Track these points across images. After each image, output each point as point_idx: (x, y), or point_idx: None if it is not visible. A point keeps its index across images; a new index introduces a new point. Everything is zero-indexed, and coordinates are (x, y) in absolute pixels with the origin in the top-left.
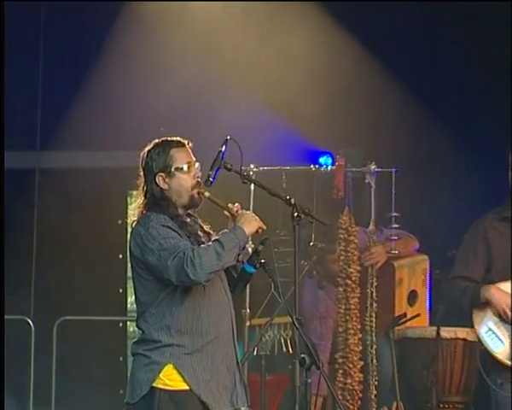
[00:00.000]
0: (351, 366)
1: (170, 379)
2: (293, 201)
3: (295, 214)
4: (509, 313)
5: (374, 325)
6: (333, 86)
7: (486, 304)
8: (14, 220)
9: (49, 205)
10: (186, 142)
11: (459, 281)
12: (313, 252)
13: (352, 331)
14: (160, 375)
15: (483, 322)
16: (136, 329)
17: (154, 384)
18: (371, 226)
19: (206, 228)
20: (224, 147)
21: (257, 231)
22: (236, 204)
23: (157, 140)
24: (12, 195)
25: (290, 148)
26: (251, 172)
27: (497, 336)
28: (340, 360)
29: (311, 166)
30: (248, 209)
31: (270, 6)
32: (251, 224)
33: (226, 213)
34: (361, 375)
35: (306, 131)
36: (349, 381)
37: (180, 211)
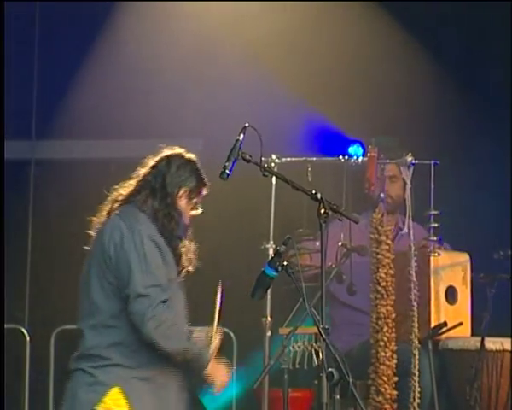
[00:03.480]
0: (381, 382)
1: (116, 404)
2: (319, 196)
3: (322, 211)
4: None
5: (416, 330)
6: (364, 73)
7: None
8: (6, 220)
9: (46, 201)
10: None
11: None
12: (342, 253)
13: (383, 343)
14: (105, 398)
15: None
16: None
17: (97, 408)
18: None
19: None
20: (241, 135)
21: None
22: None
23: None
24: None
25: (316, 137)
26: (272, 164)
27: None
28: (372, 375)
29: (340, 157)
30: (270, 207)
31: None
32: (216, 373)
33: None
34: (394, 392)
35: (335, 119)
36: (380, 399)
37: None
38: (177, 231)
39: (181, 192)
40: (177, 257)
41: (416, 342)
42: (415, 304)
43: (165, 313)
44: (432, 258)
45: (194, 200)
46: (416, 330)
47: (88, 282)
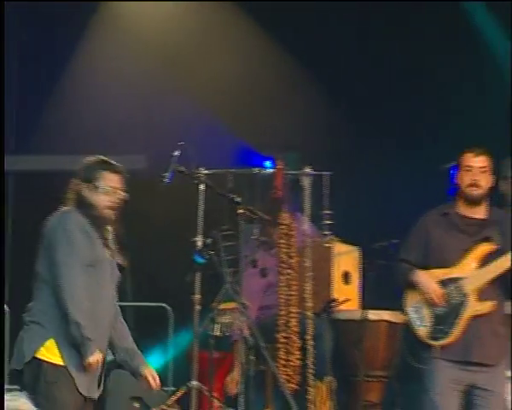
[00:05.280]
0: (292, 345)
1: (52, 353)
2: (238, 200)
3: (239, 211)
4: (433, 298)
5: (310, 304)
6: (266, 95)
7: (415, 286)
8: None
9: (25, 213)
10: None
11: (400, 264)
12: (256, 245)
13: (293, 315)
14: (43, 347)
15: (412, 302)
16: None
17: (38, 355)
18: (306, 224)
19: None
20: (177, 152)
21: None
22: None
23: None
24: None
25: (237, 154)
26: (200, 175)
27: (421, 316)
28: (283, 340)
29: (254, 169)
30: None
31: (207, 12)
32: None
33: None
34: (298, 353)
35: (253, 138)
36: (290, 358)
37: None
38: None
39: (96, 184)
40: (104, 240)
41: (310, 314)
42: (309, 285)
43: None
44: (331, 248)
45: (109, 188)
46: (310, 304)
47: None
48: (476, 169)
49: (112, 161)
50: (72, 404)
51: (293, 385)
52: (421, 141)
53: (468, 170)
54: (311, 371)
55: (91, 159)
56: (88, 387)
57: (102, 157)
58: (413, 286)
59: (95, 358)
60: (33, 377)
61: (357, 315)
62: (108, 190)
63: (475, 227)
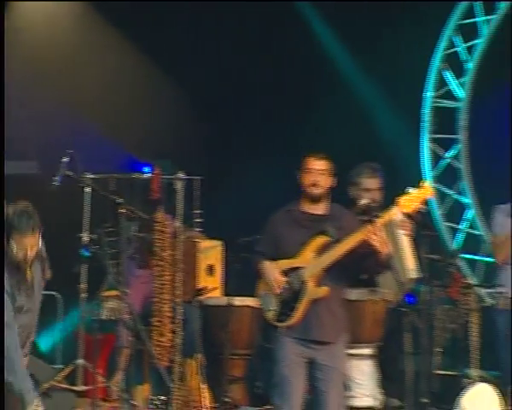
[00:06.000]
0: (164, 328)
1: None
2: (119, 200)
3: (121, 211)
4: (274, 286)
5: (179, 292)
6: (142, 108)
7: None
8: None
9: None
10: None
11: (255, 256)
12: (135, 240)
13: (166, 301)
14: None
15: (262, 289)
16: None
17: None
18: (179, 222)
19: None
20: (65, 158)
21: None
22: None
23: None
24: None
25: (120, 161)
26: (86, 179)
27: (269, 301)
28: (156, 324)
29: (133, 174)
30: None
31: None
32: None
33: None
34: (170, 334)
35: (130, 146)
36: (162, 339)
37: None
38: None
39: None
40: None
41: (179, 300)
42: (179, 276)
43: None
44: (197, 243)
45: None
46: (180, 292)
47: None
48: (316, 171)
49: None
50: None
51: (164, 362)
52: (282, 147)
53: (309, 172)
54: (178, 350)
55: None
56: None
57: None
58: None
59: None
60: None
61: (224, 301)
62: None
63: (314, 222)
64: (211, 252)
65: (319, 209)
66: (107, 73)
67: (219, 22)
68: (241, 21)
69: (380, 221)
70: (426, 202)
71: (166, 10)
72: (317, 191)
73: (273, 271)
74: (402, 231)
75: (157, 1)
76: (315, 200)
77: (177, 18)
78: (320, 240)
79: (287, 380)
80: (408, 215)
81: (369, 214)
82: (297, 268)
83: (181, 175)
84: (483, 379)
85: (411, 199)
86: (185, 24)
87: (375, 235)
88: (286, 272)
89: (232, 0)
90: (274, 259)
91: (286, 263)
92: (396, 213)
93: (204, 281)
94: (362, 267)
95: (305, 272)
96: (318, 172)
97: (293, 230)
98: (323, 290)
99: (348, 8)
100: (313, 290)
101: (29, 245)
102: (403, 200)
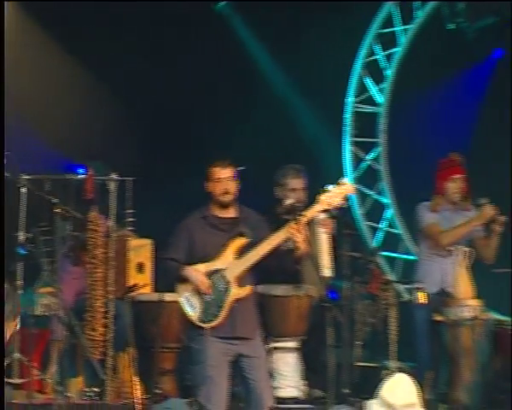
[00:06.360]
0: (97, 322)
1: None
2: (54, 200)
3: (56, 210)
4: (201, 288)
5: (113, 290)
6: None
7: (186, 280)
8: None
9: None
10: None
11: (170, 262)
12: (69, 239)
13: (98, 297)
14: None
15: (183, 293)
16: None
17: None
18: (111, 222)
19: None
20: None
21: None
22: None
23: None
24: None
25: (55, 162)
26: (23, 179)
27: (192, 304)
28: (89, 318)
29: (68, 174)
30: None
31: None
32: None
33: None
34: (103, 329)
35: (65, 149)
36: (95, 333)
37: None
38: None
39: None
40: None
41: (111, 297)
42: (111, 273)
43: None
44: (127, 242)
45: None
46: (112, 289)
47: None
48: (225, 179)
49: None
50: None
51: (97, 356)
52: (209, 147)
53: (218, 181)
54: (111, 343)
55: None
56: None
57: None
58: (183, 280)
59: None
60: None
61: (155, 297)
62: None
63: (230, 225)
64: (141, 250)
65: (231, 213)
66: (38, 73)
67: (142, 22)
68: (162, 21)
69: (303, 219)
70: (346, 199)
71: (95, 10)
72: (229, 198)
73: (199, 274)
74: (322, 230)
75: (84, 1)
76: (226, 206)
77: (108, 18)
78: (239, 242)
79: (212, 380)
80: (329, 213)
81: (294, 213)
82: (219, 270)
83: (114, 176)
84: (401, 370)
85: (332, 196)
86: (117, 25)
87: (298, 233)
88: (208, 275)
89: (153, 0)
90: (188, 264)
91: (205, 266)
92: (317, 211)
93: (134, 278)
94: (279, 266)
95: (227, 273)
96: (227, 179)
97: (211, 234)
98: (247, 290)
99: (271, 10)
100: (237, 290)
101: None
102: (323, 197)
